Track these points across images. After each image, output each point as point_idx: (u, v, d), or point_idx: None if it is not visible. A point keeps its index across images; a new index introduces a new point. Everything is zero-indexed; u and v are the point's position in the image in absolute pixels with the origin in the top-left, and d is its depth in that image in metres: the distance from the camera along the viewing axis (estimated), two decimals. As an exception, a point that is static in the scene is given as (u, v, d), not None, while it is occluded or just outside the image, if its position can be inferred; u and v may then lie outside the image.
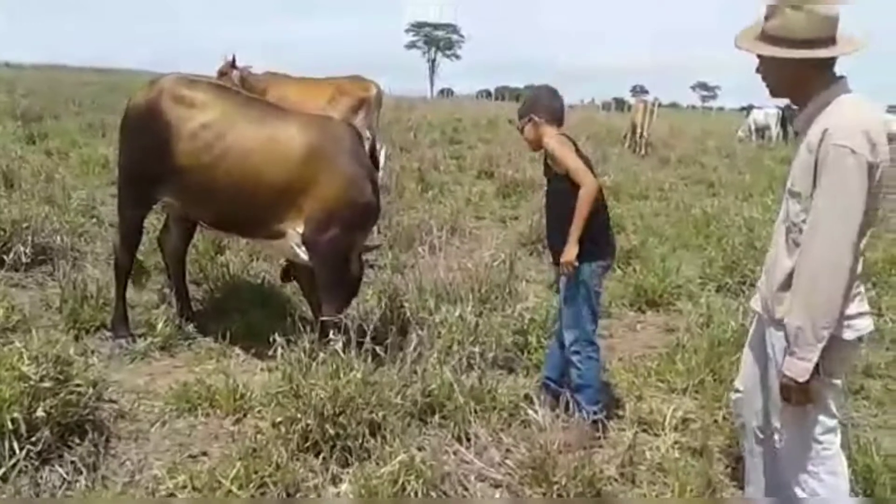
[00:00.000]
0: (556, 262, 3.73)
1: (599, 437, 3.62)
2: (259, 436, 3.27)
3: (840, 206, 2.33)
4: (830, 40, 2.44)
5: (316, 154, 4.01)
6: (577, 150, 3.68)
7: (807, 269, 2.40)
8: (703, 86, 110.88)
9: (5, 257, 5.29)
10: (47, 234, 5.68)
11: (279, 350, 3.54)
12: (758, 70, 2.60)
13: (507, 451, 3.37)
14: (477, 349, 3.78)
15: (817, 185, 2.38)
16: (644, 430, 3.75)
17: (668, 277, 6.23)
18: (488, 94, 62.33)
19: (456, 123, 22.22)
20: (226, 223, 4.33)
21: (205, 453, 3.34)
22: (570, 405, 3.56)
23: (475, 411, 3.56)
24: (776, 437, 2.68)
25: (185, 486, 2.97)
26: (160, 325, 4.50)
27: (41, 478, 2.88)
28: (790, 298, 2.47)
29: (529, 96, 3.99)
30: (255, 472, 2.99)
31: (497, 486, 3.19)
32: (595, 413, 3.63)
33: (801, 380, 2.41)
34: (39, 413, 2.94)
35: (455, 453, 3.33)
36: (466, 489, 3.15)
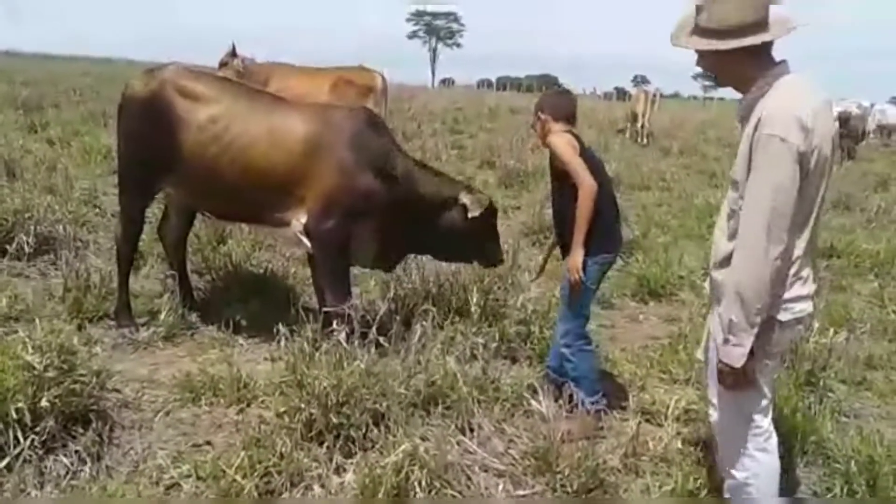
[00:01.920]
0: (564, 255, 3.75)
1: (602, 428, 3.63)
2: (263, 425, 3.28)
3: (768, 196, 2.36)
4: (763, 25, 2.44)
5: (316, 143, 4.00)
6: (584, 151, 3.66)
7: (738, 259, 2.45)
8: (704, 76, 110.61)
9: (8, 247, 5.29)
10: (50, 224, 5.68)
11: (282, 340, 3.55)
12: (698, 63, 2.63)
13: (511, 441, 3.38)
14: (480, 340, 3.78)
15: (750, 173, 2.41)
16: (647, 421, 3.76)
17: (670, 268, 6.23)
18: (489, 83, 62.19)
19: (457, 113, 22.17)
20: (230, 213, 4.36)
21: (209, 442, 3.34)
22: (573, 396, 3.56)
23: (478, 402, 3.56)
24: (710, 410, 2.79)
25: (189, 476, 3.00)
26: (163, 315, 4.50)
27: (45, 467, 2.90)
28: (725, 289, 2.50)
29: (543, 94, 4.09)
30: (259, 462, 3.00)
31: (500, 476, 3.19)
32: (594, 403, 3.65)
33: (736, 365, 2.47)
34: (44, 403, 2.94)
35: (458, 443, 3.32)
36: (470, 479, 3.15)
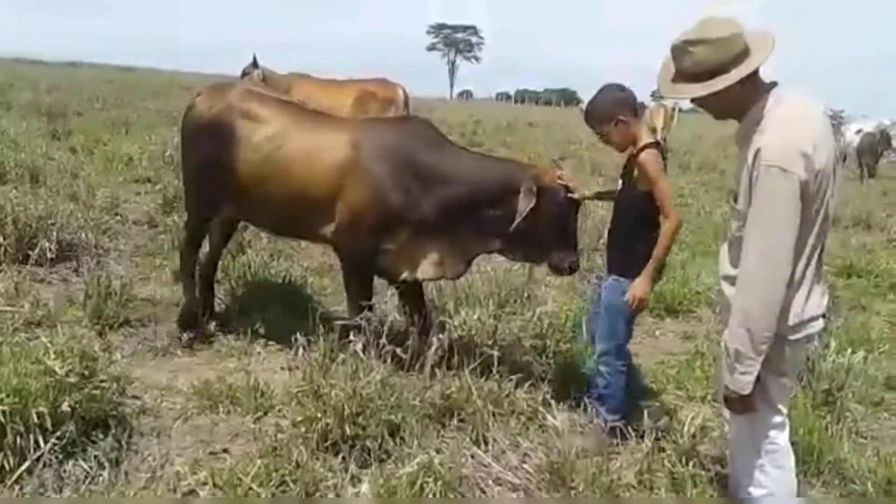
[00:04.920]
0: (610, 268, 3.67)
1: (617, 444, 3.62)
2: (279, 434, 3.30)
3: (770, 226, 2.38)
4: (745, 54, 2.47)
5: (350, 158, 3.97)
6: (665, 166, 3.51)
7: (742, 289, 2.47)
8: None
9: (31, 253, 5.34)
10: (72, 231, 5.74)
11: (300, 349, 3.57)
12: (695, 103, 2.66)
13: (525, 455, 3.38)
14: (495, 353, 3.79)
15: (752, 204, 2.43)
16: (663, 437, 3.75)
17: (687, 284, 6.21)
18: (508, 96, 62.30)
19: (476, 126, 22.23)
20: (279, 227, 4.52)
21: (226, 450, 3.36)
22: (590, 411, 3.56)
23: (493, 415, 3.58)
24: (727, 427, 2.83)
25: (206, 483, 3.01)
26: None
27: (65, 471, 2.92)
28: (730, 319, 2.52)
29: (605, 98, 3.60)
30: (276, 471, 3.02)
31: (515, 490, 3.19)
32: (615, 421, 3.62)
33: (744, 393, 2.50)
34: (64, 407, 2.97)
35: (473, 456, 3.34)
36: (484, 492, 3.16)
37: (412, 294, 4.32)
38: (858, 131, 18.42)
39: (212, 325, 4.68)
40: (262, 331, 4.62)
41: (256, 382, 3.81)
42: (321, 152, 4.02)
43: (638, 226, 3.52)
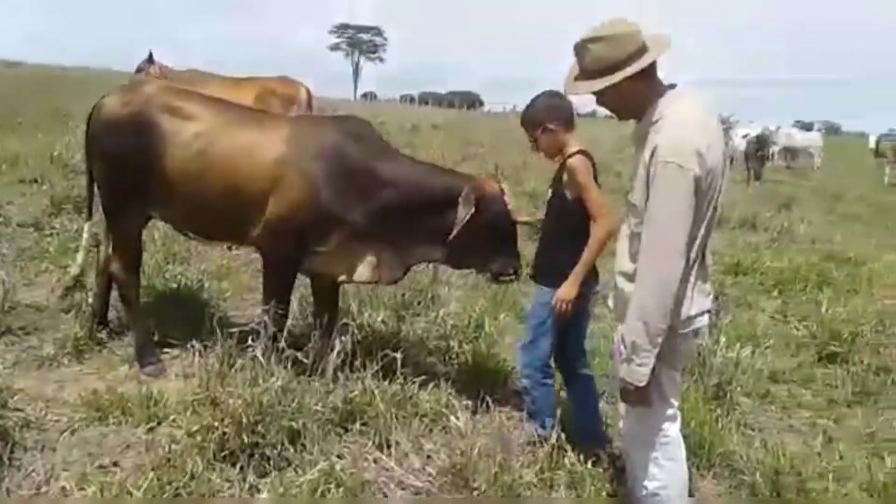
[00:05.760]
0: (534, 277, 3.65)
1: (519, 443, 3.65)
2: (173, 445, 3.17)
3: (669, 220, 2.48)
4: (641, 51, 2.59)
5: (282, 158, 3.83)
6: (595, 173, 3.49)
7: (641, 282, 2.55)
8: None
9: None
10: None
11: (196, 356, 3.45)
12: (598, 103, 2.77)
13: (428, 457, 3.38)
14: (399, 355, 3.77)
15: (649, 199, 2.52)
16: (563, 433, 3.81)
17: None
18: (412, 98, 62.38)
19: (380, 127, 22.06)
20: (209, 229, 4.18)
21: (116, 463, 3.22)
22: (492, 412, 3.58)
23: (396, 418, 3.55)
24: (621, 422, 2.90)
25: (94, 498, 2.87)
26: (70, 329, 4.33)
27: (-62, 491, 2.74)
28: (627, 311, 2.60)
29: (537, 104, 3.58)
30: (169, 483, 2.92)
31: (417, 494, 3.18)
32: (545, 431, 3.51)
33: (641, 384, 2.58)
34: (-63, 423, 2.79)
35: (376, 461, 3.32)
36: (386, 496, 3.14)
37: (328, 295, 4.25)
38: (745, 136, 19.32)
39: (102, 333, 4.47)
40: (155, 337, 4.44)
41: (149, 391, 3.66)
42: (256, 148, 3.87)
43: (566, 234, 3.49)
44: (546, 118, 3.51)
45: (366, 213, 3.83)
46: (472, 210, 3.66)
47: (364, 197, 3.83)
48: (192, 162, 3.87)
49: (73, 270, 4.46)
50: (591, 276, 3.52)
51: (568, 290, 3.41)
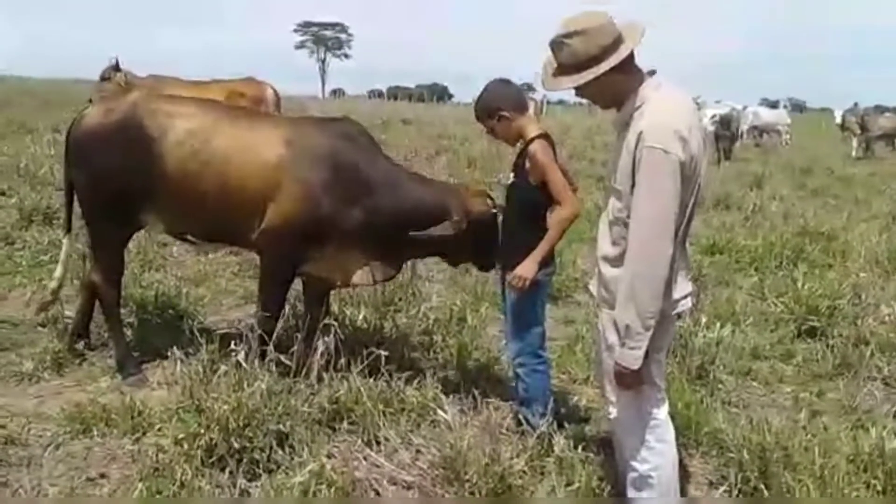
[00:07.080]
0: (503, 264, 3.65)
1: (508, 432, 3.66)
2: (160, 454, 3.14)
3: (657, 206, 2.50)
4: (618, 42, 2.60)
5: (282, 160, 3.80)
6: (555, 156, 3.50)
7: (631, 267, 2.56)
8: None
9: None
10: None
11: (177, 363, 3.42)
12: (577, 95, 2.78)
13: (418, 452, 3.37)
14: (383, 352, 3.77)
15: (635, 184, 2.54)
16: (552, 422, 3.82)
17: (564, 270, 6.35)
18: (380, 94, 62.09)
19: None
20: (208, 231, 4.11)
21: (103, 476, 3.19)
22: (479, 404, 3.58)
23: (384, 414, 3.55)
24: (610, 408, 2.91)
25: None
26: (48, 343, 4.28)
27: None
28: (618, 295, 2.60)
29: (489, 93, 3.60)
30: (159, 492, 2.90)
31: (409, 489, 3.18)
32: (542, 425, 3.46)
33: (634, 367, 2.60)
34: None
35: (365, 458, 3.30)
36: (378, 493, 3.13)
37: (320, 298, 4.24)
38: (713, 117, 19.44)
39: (80, 343, 4.41)
40: (135, 347, 4.39)
41: (132, 401, 3.62)
42: (254, 148, 3.83)
43: (529, 219, 3.51)
44: (498, 106, 3.52)
45: (362, 218, 3.84)
46: (456, 230, 3.75)
47: (361, 201, 3.85)
48: (190, 160, 3.82)
49: (52, 284, 4.36)
50: (548, 255, 3.52)
51: (527, 267, 3.41)
